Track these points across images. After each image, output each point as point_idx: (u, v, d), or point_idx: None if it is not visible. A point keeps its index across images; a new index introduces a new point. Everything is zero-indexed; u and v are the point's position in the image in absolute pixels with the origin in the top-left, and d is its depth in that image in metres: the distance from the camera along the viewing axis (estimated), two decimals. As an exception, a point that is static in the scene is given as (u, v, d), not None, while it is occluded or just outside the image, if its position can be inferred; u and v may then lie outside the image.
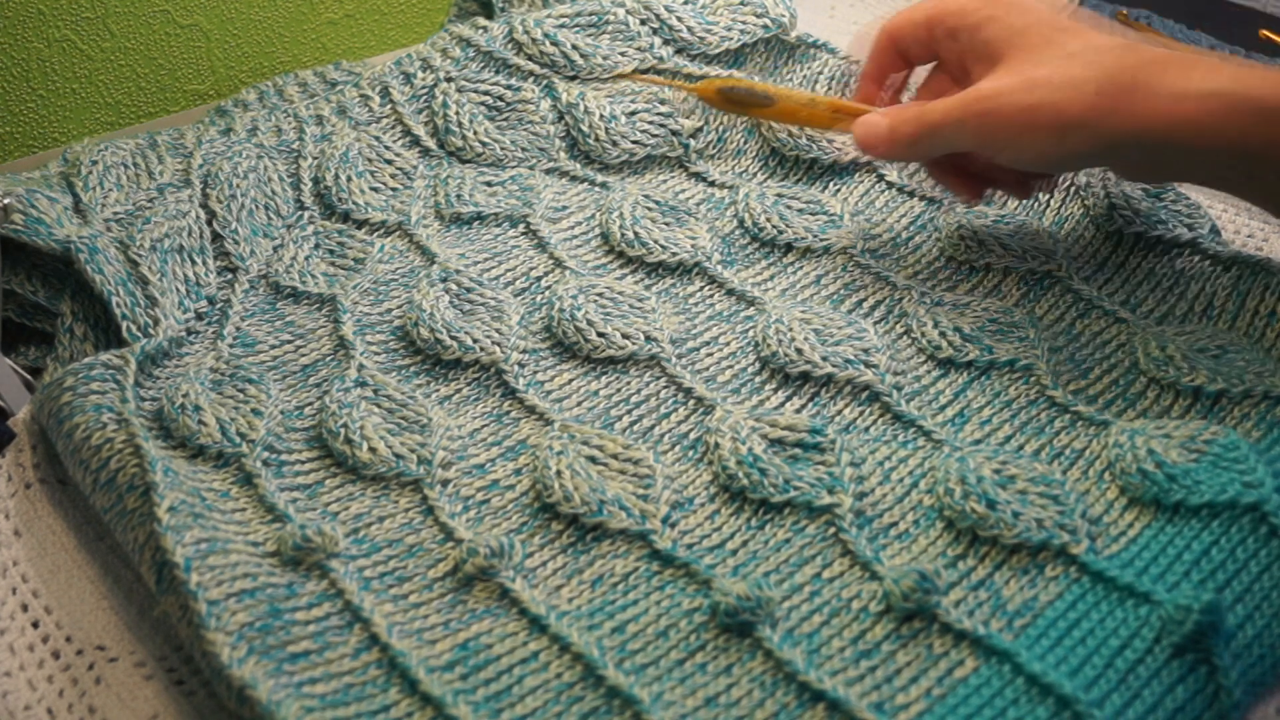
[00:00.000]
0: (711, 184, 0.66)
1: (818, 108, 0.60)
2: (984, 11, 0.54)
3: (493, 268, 0.59)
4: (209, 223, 0.59)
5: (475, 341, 0.55)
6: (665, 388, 0.54)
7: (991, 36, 0.54)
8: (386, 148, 0.66)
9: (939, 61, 0.59)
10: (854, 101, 0.61)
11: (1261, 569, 0.44)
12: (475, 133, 0.66)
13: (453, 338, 0.54)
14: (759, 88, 0.61)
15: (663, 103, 0.68)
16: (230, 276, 0.58)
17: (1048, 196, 0.64)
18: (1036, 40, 0.52)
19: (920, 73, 0.62)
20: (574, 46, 0.68)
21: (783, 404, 0.53)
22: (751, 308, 0.58)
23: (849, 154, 0.65)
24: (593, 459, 0.49)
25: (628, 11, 0.70)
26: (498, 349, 0.55)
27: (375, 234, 0.62)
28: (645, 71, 0.67)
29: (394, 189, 0.64)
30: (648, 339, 0.55)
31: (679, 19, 0.70)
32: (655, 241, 0.61)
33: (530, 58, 0.69)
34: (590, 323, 0.55)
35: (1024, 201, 0.64)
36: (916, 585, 0.43)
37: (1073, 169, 0.59)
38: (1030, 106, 0.51)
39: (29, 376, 0.55)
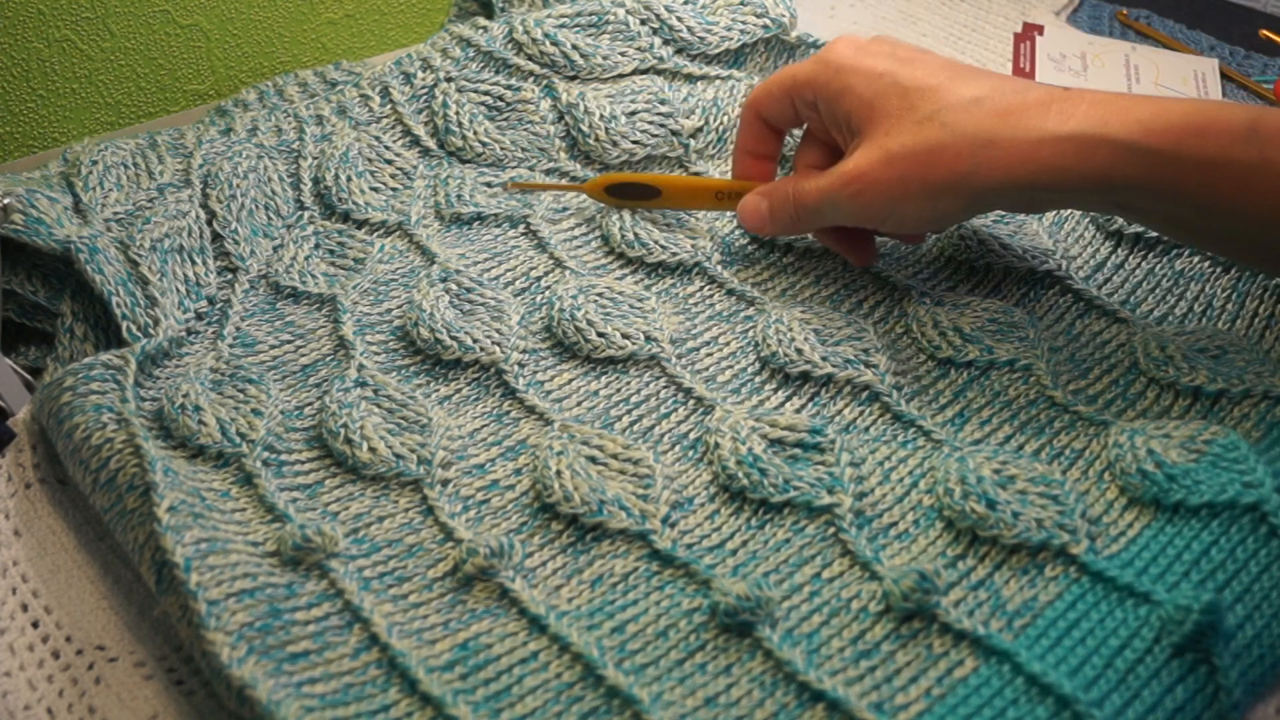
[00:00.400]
0: (711, 184, 0.66)
1: (703, 193, 0.61)
2: (836, 83, 0.54)
3: (493, 268, 0.59)
4: (209, 223, 0.59)
5: (475, 341, 0.55)
6: (665, 388, 0.54)
7: (848, 108, 0.53)
8: (386, 148, 0.66)
9: (809, 131, 0.59)
10: (735, 179, 0.61)
11: (1261, 569, 0.44)
12: (475, 133, 0.66)
13: (453, 338, 0.54)
14: (644, 179, 0.62)
15: (663, 103, 0.68)
16: (230, 276, 0.58)
17: None
18: (889, 108, 0.52)
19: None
20: (574, 46, 0.69)
21: (783, 404, 0.53)
22: (751, 308, 0.58)
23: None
24: (593, 459, 0.49)
25: (628, 11, 0.70)
26: (498, 349, 0.55)
27: (375, 234, 0.62)
28: (534, 170, 0.66)
29: (394, 189, 0.64)
30: (648, 339, 0.55)
31: (679, 19, 0.70)
32: (655, 241, 0.61)
33: (530, 58, 0.69)
34: (590, 323, 0.55)
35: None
36: (916, 585, 0.43)
37: (956, 223, 0.59)
38: (896, 179, 0.51)
39: (29, 376, 0.55)
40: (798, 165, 0.59)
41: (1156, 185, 0.48)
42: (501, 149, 0.66)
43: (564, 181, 0.65)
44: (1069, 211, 0.63)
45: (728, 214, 0.63)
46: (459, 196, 0.63)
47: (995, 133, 0.49)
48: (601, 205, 0.63)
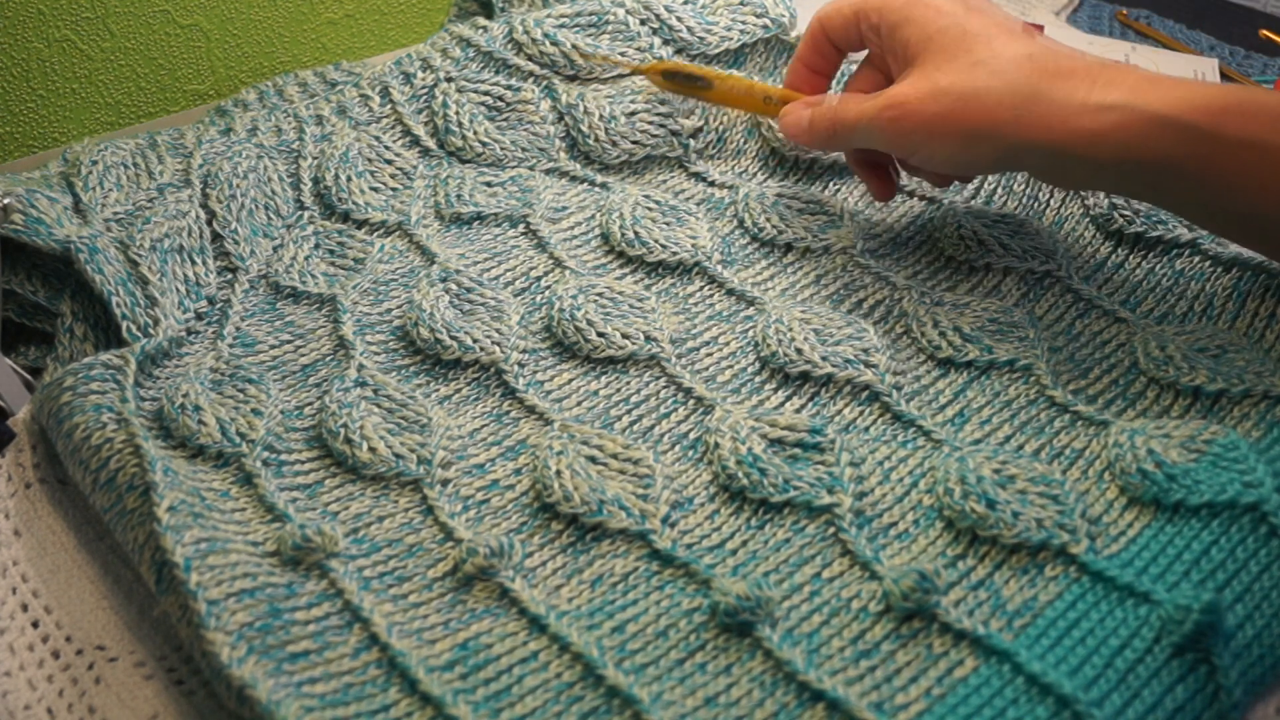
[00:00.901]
0: (711, 184, 0.66)
1: (753, 94, 0.64)
2: (903, 11, 0.55)
3: (493, 268, 0.59)
4: (209, 223, 0.59)
5: (475, 341, 0.55)
6: (665, 388, 0.54)
7: (907, 37, 0.55)
8: (386, 148, 0.66)
9: (869, 58, 0.60)
10: (786, 88, 0.63)
11: (1261, 569, 0.44)
12: (475, 133, 0.66)
13: (453, 338, 0.54)
14: (698, 71, 0.64)
15: (663, 102, 0.68)
16: (230, 276, 0.58)
17: (1048, 196, 0.64)
18: (947, 45, 0.53)
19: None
20: (574, 46, 0.69)
21: (783, 404, 0.53)
22: (751, 307, 0.58)
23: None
24: (592, 459, 0.49)
25: (628, 11, 0.70)
26: (498, 349, 0.55)
27: (375, 234, 0.62)
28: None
29: (394, 189, 0.64)
30: (648, 339, 0.55)
31: (679, 19, 0.70)
32: (655, 241, 0.61)
33: (530, 58, 0.69)
34: (590, 322, 0.55)
35: (1023, 201, 0.64)
36: (916, 585, 0.43)
37: (982, 173, 0.62)
38: (936, 115, 0.52)
39: (29, 376, 0.55)
40: (849, 88, 0.61)
41: (1191, 164, 0.49)
42: (501, 149, 0.66)
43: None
44: (1069, 211, 0.63)
45: (727, 215, 0.63)
46: (459, 196, 0.63)
47: (1039, 90, 0.50)
48: (601, 203, 0.63)
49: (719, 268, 0.60)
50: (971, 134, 0.52)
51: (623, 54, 0.69)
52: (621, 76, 0.69)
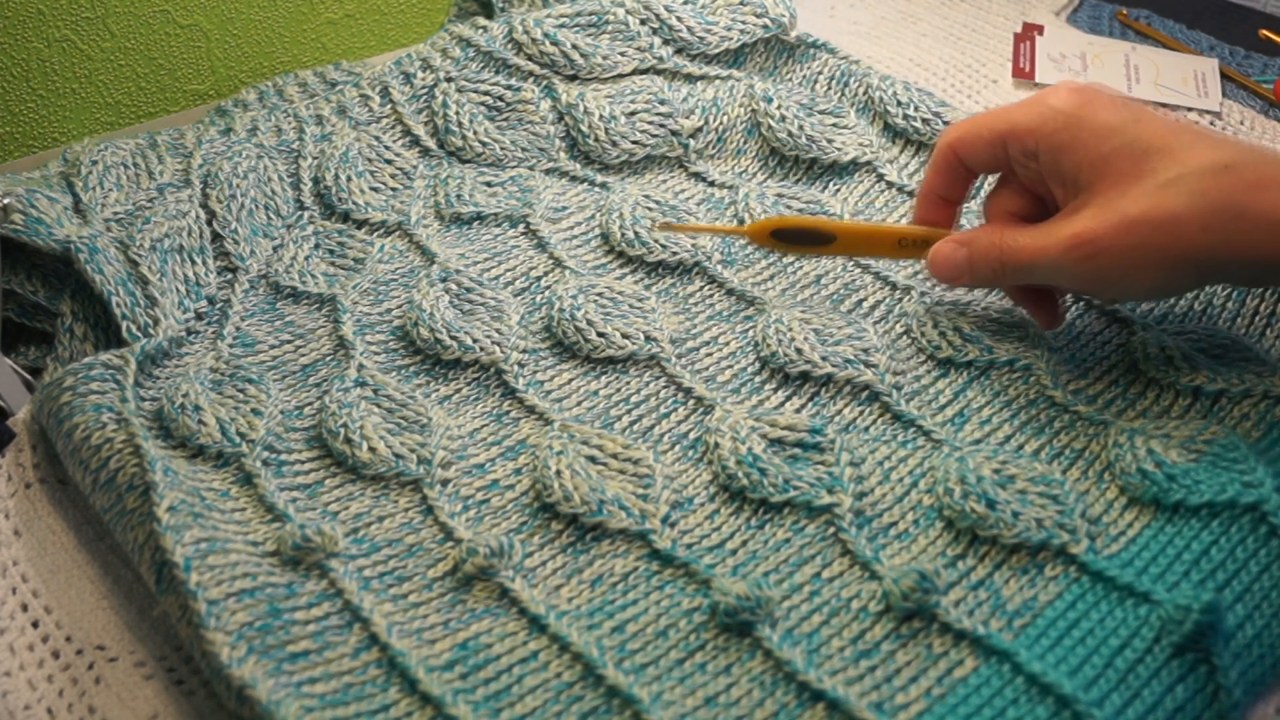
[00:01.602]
0: (711, 184, 0.66)
1: (884, 239, 0.56)
2: (1064, 134, 0.50)
3: (493, 268, 0.59)
4: (209, 223, 0.59)
5: (475, 341, 0.55)
6: (665, 387, 0.54)
7: (1077, 163, 0.50)
8: (386, 148, 0.66)
9: (1007, 176, 0.55)
10: (918, 224, 0.57)
11: (1261, 569, 0.44)
12: (475, 133, 0.66)
13: (453, 338, 0.54)
14: (818, 225, 0.57)
15: (663, 103, 0.68)
16: (230, 276, 0.58)
17: None
18: (1126, 167, 0.48)
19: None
20: (574, 46, 0.69)
21: (783, 404, 0.53)
22: (751, 307, 0.58)
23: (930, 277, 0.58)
24: (592, 459, 0.49)
25: (628, 11, 0.70)
26: (498, 349, 0.55)
27: (375, 234, 0.62)
28: (679, 220, 0.62)
29: (394, 189, 0.64)
30: (648, 339, 0.55)
31: (679, 19, 0.70)
32: (655, 241, 0.61)
33: (530, 58, 0.69)
34: (590, 322, 0.55)
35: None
36: (916, 585, 0.43)
37: (1178, 295, 0.57)
38: (1132, 249, 0.48)
39: (29, 376, 0.55)
40: (992, 213, 0.55)
41: None
42: (501, 149, 0.66)
43: (716, 223, 0.61)
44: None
45: (726, 215, 0.63)
46: (459, 196, 0.63)
47: (1244, 208, 0.46)
48: (601, 203, 0.63)
49: (719, 268, 0.60)
50: (1174, 262, 0.48)
51: (623, 54, 0.69)
52: (622, 76, 0.69)
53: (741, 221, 0.63)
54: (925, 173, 0.56)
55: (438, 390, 0.53)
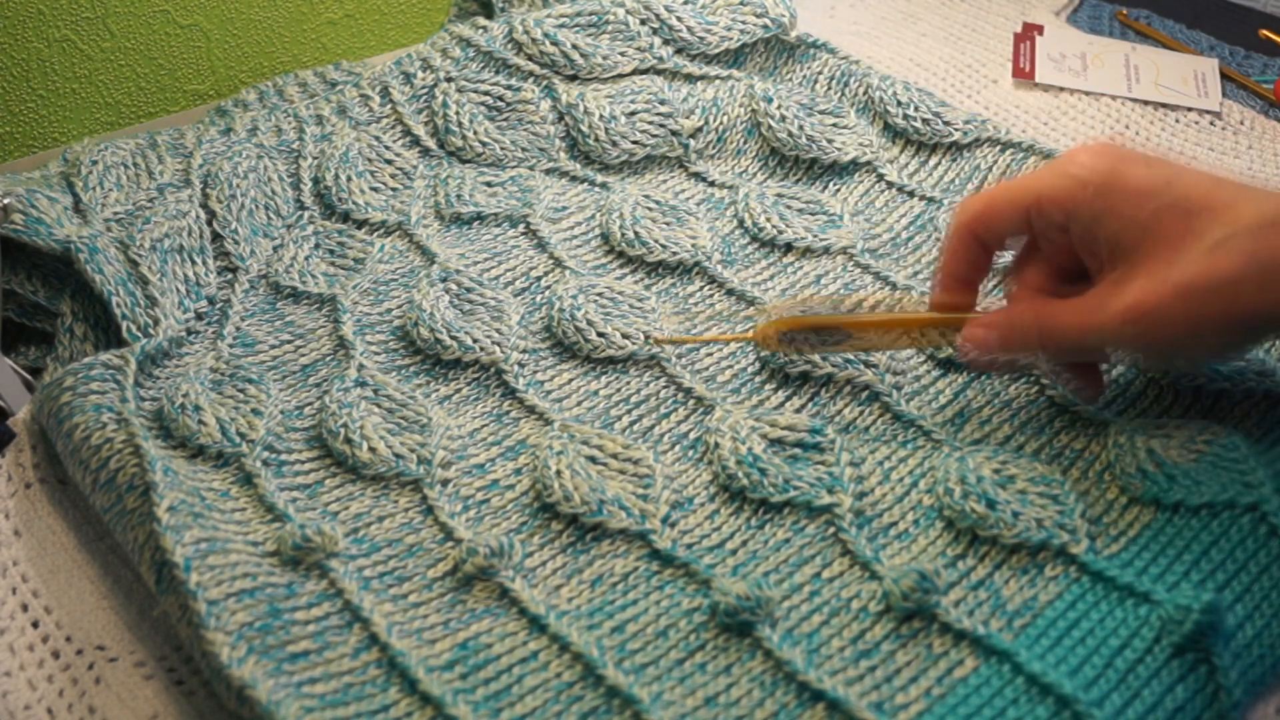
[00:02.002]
0: (711, 184, 0.66)
1: (906, 330, 0.52)
2: (1098, 203, 0.47)
3: (493, 268, 0.59)
4: (209, 223, 0.59)
5: (475, 341, 0.55)
6: (665, 387, 0.54)
7: (1115, 230, 0.47)
8: (386, 148, 0.66)
9: (1031, 246, 0.52)
10: (936, 308, 0.52)
11: (1261, 569, 0.44)
12: (475, 133, 0.66)
13: (453, 338, 0.54)
14: (829, 322, 0.52)
15: (663, 103, 0.68)
16: (230, 276, 0.58)
17: None
18: (1170, 233, 0.46)
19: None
20: (574, 46, 0.69)
21: (783, 404, 0.53)
22: (751, 308, 0.58)
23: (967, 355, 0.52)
24: (592, 459, 0.49)
25: (628, 11, 0.70)
26: (498, 349, 0.55)
27: (375, 234, 0.62)
28: (673, 332, 0.57)
29: (394, 189, 0.64)
30: (648, 339, 0.55)
31: (679, 19, 0.70)
32: (655, 241, 0.61)
33: (530, 58, 0.69)
34: (590, 322, 0.55)
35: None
36: (916, 585, 0.43)
37: (1238, 356, 0.53)
38: (1189, 317, 0.45)
39: (29, 376, 0.55)
40: (1020, 287, 0.52)
41: None
42: (501, 149, 0.66)
43: (712, 332, 0.56)
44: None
45: (727, 215, 0.63)
46: (459, 196, 0.63)
47: None
48: (601, 203, 0.63)
49: (719, 268, 0.60)
50: (1235, 326, 0.46)
51: (623, 54, 0.69)
52: (622, 76, 0.69)
53: (741, 221, 0.63)
54: (941, 255, 0.52)
55: (438, 390, 0.53)
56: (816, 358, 0.54)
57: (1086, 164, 0.48)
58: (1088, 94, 0.76)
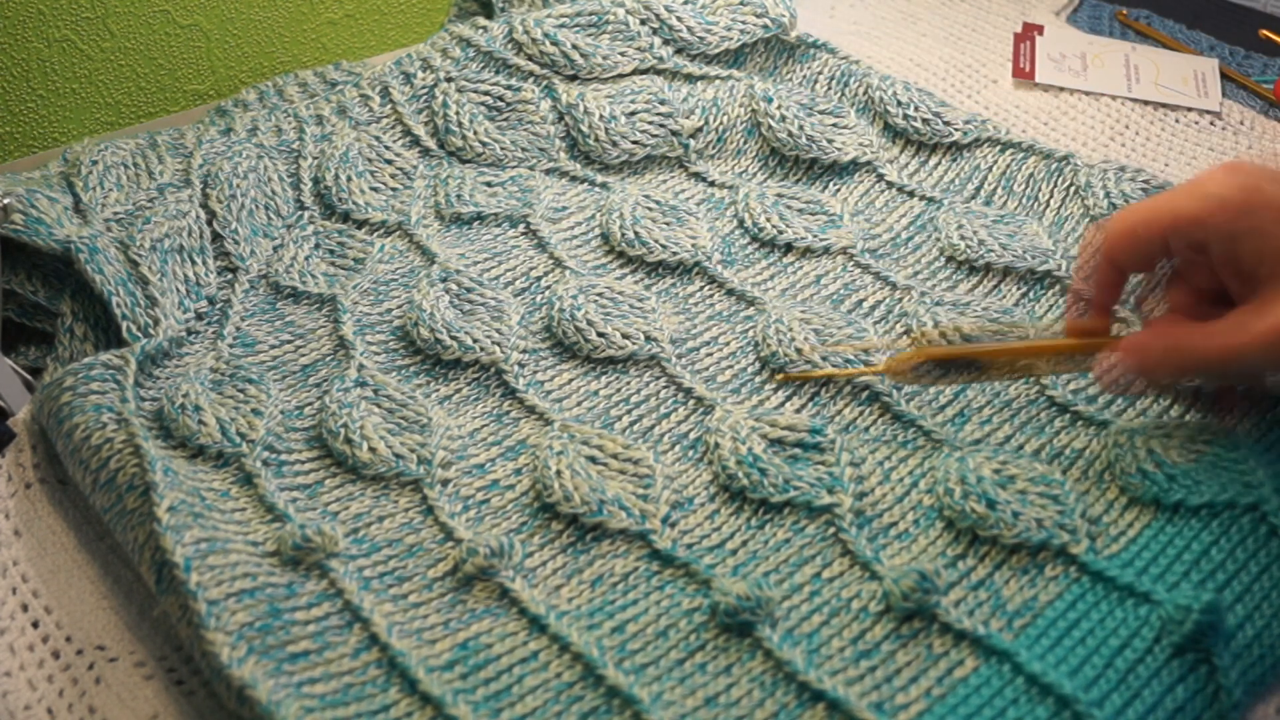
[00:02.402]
0: (711, 184, 0.66)
1: (1038, 359, 0.51)
2: (1241, 223, 0.46)
3: (493, 268, 0.59)
4: (209, 223, 0.59)
5: (475, 341, 0.55)
6: (665, 388, 0.54)
7: (1258, 249, 0.46)
8: (386, 148, 0.66)
9: (1171, 267, 0.51)
10: (1072, 334, 0.52)
11: (1261, 569, 0.44)
12: (475, 133, 0.66)
13: (453, 338, 0.54)
14: (964, 353, 0.51)
15: (663, 103, 0.68)
16: (230, 276, 0.58)
17: (1048, 196, 0.64)
18: None
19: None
20: (574, 46, 0.69)
21: (783, 404, 0.53)
22: (751, 307, 0.58)
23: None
24: (593, 459, 0.49)
25: (628, 11, 0.70)
26: (498, 349, 0.55)
27: (375, 234, 0.62)
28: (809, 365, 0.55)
29: (394, 189, 0.64)
30: (648, 339, 0.55)
31: (679, 19, 0.70)
32: (655, 241, 0.61)
33: (530, 58, 0.69)
34: (590, 323, 0.55)
35: (1023, 201, 0.64)
36: (916, 585, 0.43)
37: None
38: None
39: (29, 376, 0.55)
40: (1156, 313, 0.52)
41: None
42: (501, 149, 0.66)
43: (841, 364, 0.55)
44: (1069, 211, 0.63)
45: (727, 215, 0.63)
46: (459, 196, 0.63)
47: None
48: (601, 203, 0.63)
49: (719, 268, 0.60)
50: None
51: (623, 54, 0.69)
52: (622, 76, 0.69)
53: (741, 221, 0.63)
54: (1076, 280, 0.52)
55: (438, 390, 0.53)
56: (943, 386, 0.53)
57: (1222, 183, 0.47)
58: (1088, 94, 0.76)
